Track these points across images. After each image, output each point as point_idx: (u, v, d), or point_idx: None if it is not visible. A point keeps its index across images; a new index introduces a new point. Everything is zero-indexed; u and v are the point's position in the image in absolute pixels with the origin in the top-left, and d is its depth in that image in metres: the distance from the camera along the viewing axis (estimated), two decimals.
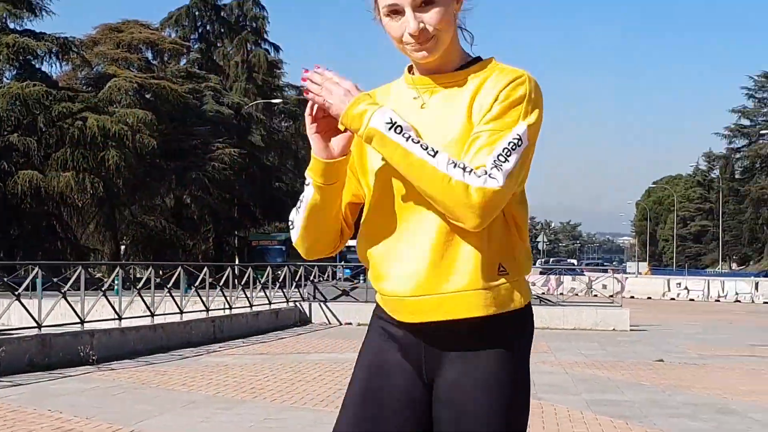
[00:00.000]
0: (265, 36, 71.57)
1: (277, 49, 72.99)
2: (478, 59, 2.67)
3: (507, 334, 2.59)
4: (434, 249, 2.54)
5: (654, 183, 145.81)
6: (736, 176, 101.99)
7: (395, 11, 2.56)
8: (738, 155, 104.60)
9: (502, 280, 2.55)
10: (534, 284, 37.16)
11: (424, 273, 2.55)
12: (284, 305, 23.85)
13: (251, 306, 21.69)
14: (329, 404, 10.28)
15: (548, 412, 9.96)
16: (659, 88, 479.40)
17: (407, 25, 2.54)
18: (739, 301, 43.81)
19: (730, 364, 15.77)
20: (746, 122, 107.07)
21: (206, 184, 52.75)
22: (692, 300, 45.19)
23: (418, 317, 2.57)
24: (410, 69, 2.73)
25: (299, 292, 25.27)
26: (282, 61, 74.21)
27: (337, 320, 24.02)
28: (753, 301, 43.58)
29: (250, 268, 23.06)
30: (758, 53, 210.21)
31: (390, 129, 2.48)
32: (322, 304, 24.46)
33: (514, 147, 2.47)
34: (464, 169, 2.43)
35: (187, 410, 9.91)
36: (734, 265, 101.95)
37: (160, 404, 10.25)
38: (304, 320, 24.07)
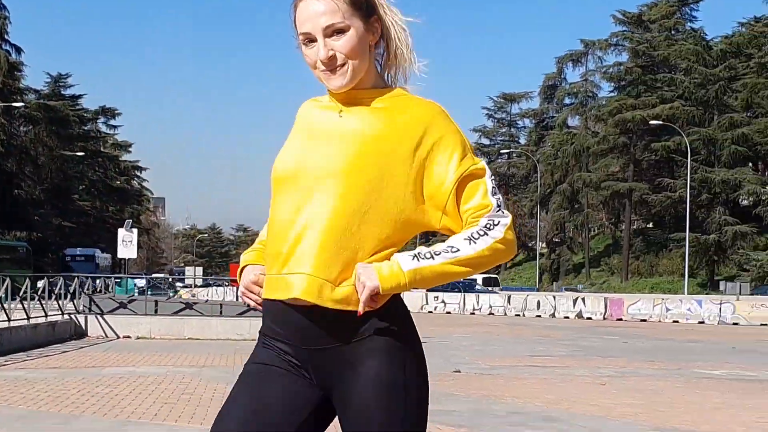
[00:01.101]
0: (6, 37, 68.98)
1: (18, 50, 70.53)
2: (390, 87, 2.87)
3: (395, 332, 2.73)
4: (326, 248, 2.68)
5: None
6: None
7: (310, 40, 2.73)
8: None
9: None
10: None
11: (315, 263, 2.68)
12: (59, 318, 23.04)
13: (28, 318, 20.82)
14: (184, 419, 10.09)
15: None
16: None
17: (318, 52, 2.71)
18: (493, 314, 45.60)
19: (522, 374, 16.41)
20: (486, 141, 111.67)
21: None
22: (449, 313, 46.66)
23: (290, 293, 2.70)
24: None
25: (74, 304, 24.45)
26: (23, 64, 71.82)
27: (115, 333, 23.43)
28: (506, 314, 45.46)
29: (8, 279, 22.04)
30: (498, 75, 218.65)
31: (417, 259, 2.67)
32: (98, 316, 23.78)
33: (494, 187, 2.75)
34: (483, 233, 2.67)
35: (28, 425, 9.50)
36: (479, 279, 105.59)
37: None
38: (80, 333, 23.34)
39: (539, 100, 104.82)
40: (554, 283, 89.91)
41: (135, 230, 58.08)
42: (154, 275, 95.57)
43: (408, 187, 2.71)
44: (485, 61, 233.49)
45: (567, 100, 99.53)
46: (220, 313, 24.10)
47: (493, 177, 2.76)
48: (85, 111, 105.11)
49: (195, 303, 26.17)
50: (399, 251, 2.73)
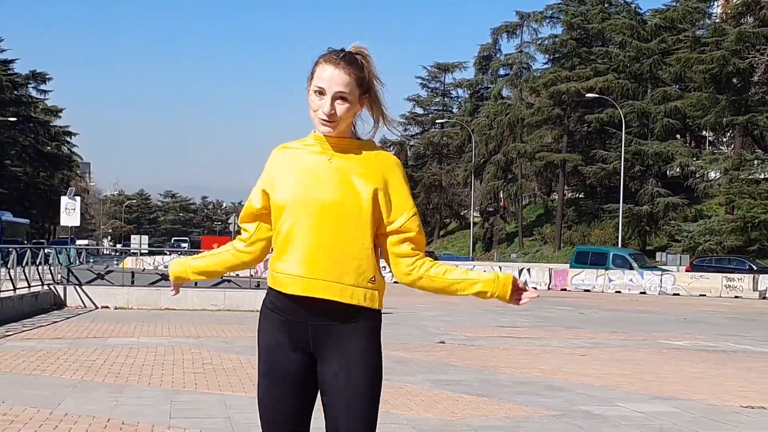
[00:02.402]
0: None
1: None
2: (359, 138, 3.92)
3: (372, 326, 3.83)
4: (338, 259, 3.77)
5: None
6: (410, 163, 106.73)
7: (321, 92, 3.78)
8: (412, 142, 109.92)
9: (371, 284, 3.78)
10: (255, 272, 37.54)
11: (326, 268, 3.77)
12: (40, 288, 23.56)
13: (15, 289, 21.34)
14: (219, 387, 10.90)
15: (405, 392, 11.00)
16: None
17: (324, 106, 3.78)
18: None
19: (503, 345, 17.37)
20: (420, 110, 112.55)
21: None
22: (396, 282, 47.47)
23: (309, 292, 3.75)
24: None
25: (51, 274, 24.95)
26: None
27: (93, 304, 24.04)
28: None
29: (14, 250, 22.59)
30: (432, 44, 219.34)
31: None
32: (76, 287, 24.35)
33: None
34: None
35: (89, 394, 10.23)
36: None
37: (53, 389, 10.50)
38: (59, 304, 23.91)
39: (474, 71, 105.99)
40: (487, 252, 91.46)
41: (78, 198, 57.93)
42: (81, 242, 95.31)
43: (377, 211, 3.79)
44: (420, 30, 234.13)
45: (502, 71, 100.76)
46: (195, 284, 24.77)
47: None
48: (17, 76, 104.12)
49: None
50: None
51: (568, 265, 51.58)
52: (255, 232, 3.95)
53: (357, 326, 3.78)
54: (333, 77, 3.72)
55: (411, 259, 3.84)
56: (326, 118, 3.72)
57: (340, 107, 3.72)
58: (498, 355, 15.54)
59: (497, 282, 3.85)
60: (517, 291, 3.87)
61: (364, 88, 3.80)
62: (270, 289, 3.86)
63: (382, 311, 3.91)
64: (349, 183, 3.74)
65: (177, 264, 4.16)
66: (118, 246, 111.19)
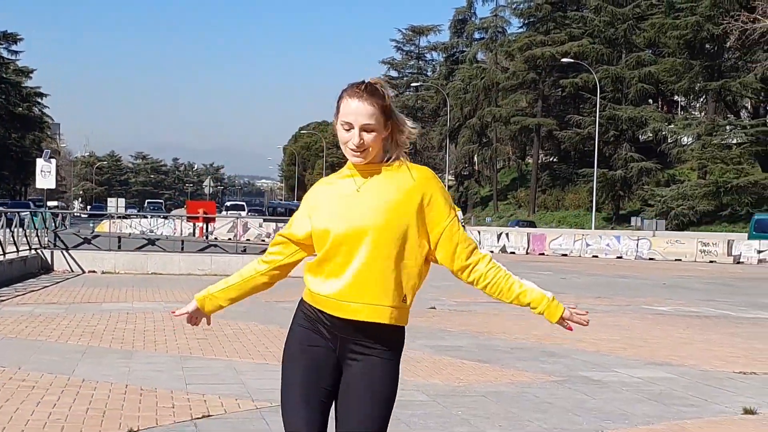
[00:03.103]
0: None
1: None
2: (391, 158, 4.08)
3: (396, 339, 4.03)
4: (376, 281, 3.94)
5: (301, 128, 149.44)
6: None
7: (350, 126, 3.93)
8: None
9: (403, 304, 3.97)
10: (215, 230, 37.45)
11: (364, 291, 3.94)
12: (28, 253, 23.69)
13: (4, 254, 21.46)
14: (232, 353, 11.14)
15: (409, 358, 11.25)
16: (314, 43, 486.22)
17: (353, 139, 3.98)
18: None
19: (493, 310, 17.59)
20: (394, 74, 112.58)
21: None
22: None
23: (349, 315, 3.93)
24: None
25: (38, 239, 25.06)
26: None
27: (81, 268, 24.17)
28: None
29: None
30: (407, 7, 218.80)
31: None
32: (63, 251, 24.48)
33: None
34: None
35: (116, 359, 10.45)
36: None
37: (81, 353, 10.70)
38: (46, 268, 24.04)
39: (449, 34, 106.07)
40: (462, 215, 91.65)
41: (53, 160, 57.60)
42: (51, 203, 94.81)
43: (420, 232, 3.96)
44: None
45: (477, 35, 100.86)
46: (182, 249, 24.99)
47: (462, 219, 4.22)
48: None
49: (157, 239, 26.97)
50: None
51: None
52: (286, 257, 4.18)
53: (382, 338, 3.97)
54: (358, 110, 3.92)
55: (467, 270, 4.08)
56: (356, 150, 3.93)
57: (368, 137, 3.91)
58: (490, 321, 15.85)
59: (550, 306, 4.10)
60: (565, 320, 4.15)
61: (387, 115, 3.98)
62: (303, 302, 4.10)
63: None
64: (385, 206, 3.91)
65: (208, 301, 4.39)
66: (97, 210, 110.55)
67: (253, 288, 4.28)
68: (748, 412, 8.50)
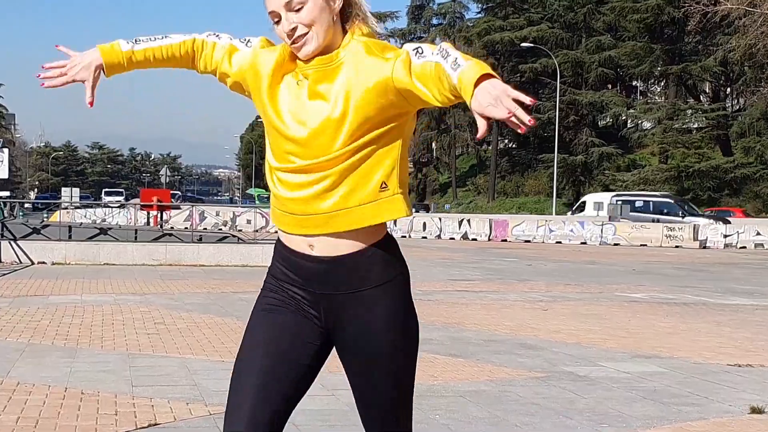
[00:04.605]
0: None
1: None
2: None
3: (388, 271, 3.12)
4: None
5: (258, 117, 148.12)
6: None
7: (275, 16, 3.03)
8: None
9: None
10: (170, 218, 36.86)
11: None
12: None
13: None
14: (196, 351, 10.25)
15: None
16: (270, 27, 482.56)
17: (283, 26, 3.02)
18: None
19: (461, 299, 16.84)
20: None
21: None
22: None
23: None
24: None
25: None
26: None
27: (29, 259, 23.08)
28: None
29: None
30: None
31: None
32: (11, 242, 23.39)
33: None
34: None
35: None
36: None
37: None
38: None
39: (406, 20, 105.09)
40: (421, 202, 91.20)
41: (6, 150, 56.30)
42: (2, 193, 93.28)
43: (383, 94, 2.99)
44: None
45: (435, 21, 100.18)
46: (135, 238, 24.00)
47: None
48: None
49: (110, 228, 25.93)
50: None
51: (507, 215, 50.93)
52: (221, 59, 3.32)
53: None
54: None
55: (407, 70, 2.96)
56: (291, 36, 3.01)
57: (300, 14, 2.98)
58: (460, 311, 15.03)
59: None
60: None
61: None
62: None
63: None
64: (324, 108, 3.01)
65: (106, 52, 3.26)
66: (61, 201, 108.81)
67: (170, 48, 3.35)
68: (755, 411, 7.70)
